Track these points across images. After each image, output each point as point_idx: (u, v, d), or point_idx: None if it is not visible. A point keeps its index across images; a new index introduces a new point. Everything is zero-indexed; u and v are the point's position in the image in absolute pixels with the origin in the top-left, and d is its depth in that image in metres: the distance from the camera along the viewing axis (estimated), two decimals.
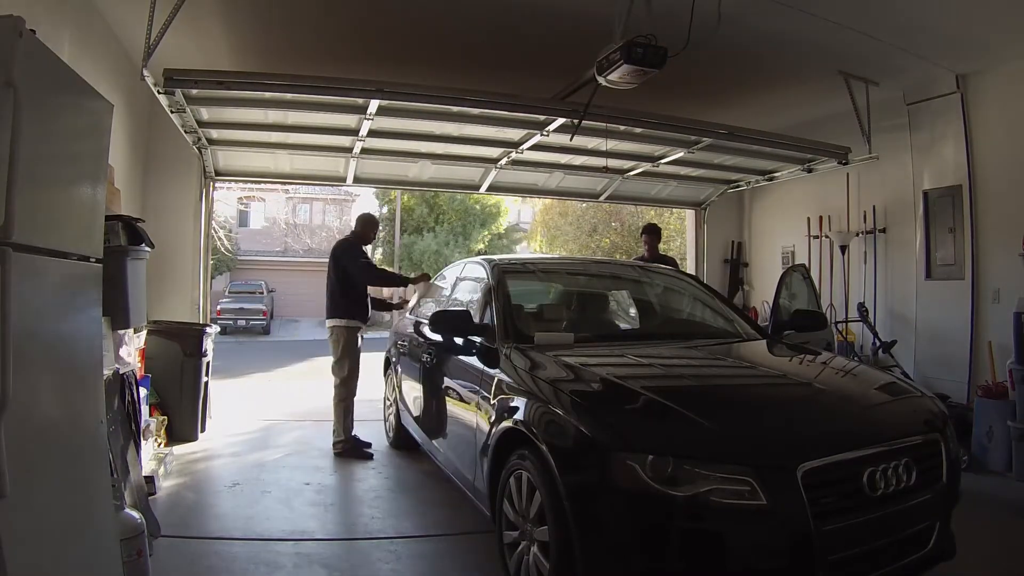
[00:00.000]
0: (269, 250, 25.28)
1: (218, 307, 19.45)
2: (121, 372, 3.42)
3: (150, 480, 3.64)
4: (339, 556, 3.03)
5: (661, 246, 6.39)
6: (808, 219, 6.97)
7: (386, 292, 7.51)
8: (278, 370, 11.76)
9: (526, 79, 5.18)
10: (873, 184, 6.16)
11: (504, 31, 4.63)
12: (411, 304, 5.15)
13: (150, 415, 4.42)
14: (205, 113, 4.70)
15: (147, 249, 3.95)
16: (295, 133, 5.29)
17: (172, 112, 4.34)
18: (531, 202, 21.32)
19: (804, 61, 5.12)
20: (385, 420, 5.21)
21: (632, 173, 6.53)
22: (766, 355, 3.23)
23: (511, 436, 2.57)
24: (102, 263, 2.13)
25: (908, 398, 2.64)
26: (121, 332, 3.58)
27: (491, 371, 2.94)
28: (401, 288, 6.08)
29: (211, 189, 6.34)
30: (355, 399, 4.84)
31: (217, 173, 6.21)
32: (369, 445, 4.80)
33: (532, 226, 21.25)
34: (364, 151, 5.62)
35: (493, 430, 2.72)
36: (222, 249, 21.50)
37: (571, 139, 5.06)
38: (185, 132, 4.88)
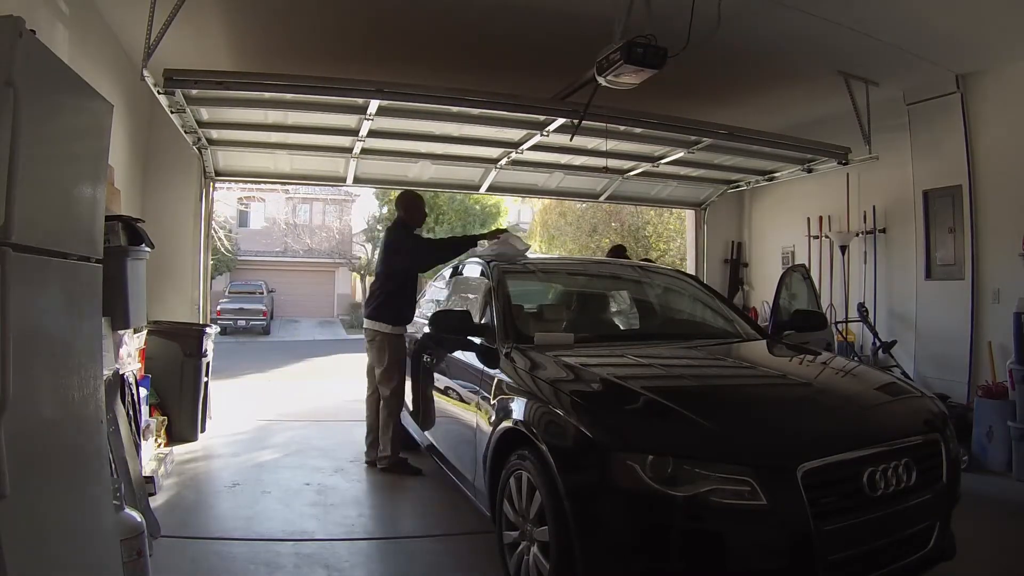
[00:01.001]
0: (269, 250, 25.27)
1: (218, 307, 19.46)
2: (121, 372, 3.42)
3: (150, 480, 3.64)
4: (339, 556, 3.03)
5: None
6: (808, 219, 6.97)
7: None
8: (278, 370, 11.77)
9: (526, 79, 5.18)
10: (873, 184, 6.16)
11: (504, 31, 4.63)
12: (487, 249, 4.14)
13: (150, 415, 4.42)
14: (205, 113, 4.70)
15: (147, 249, 3.95)
16: (295, 133, 5.29)
17: (172, 112, 4.34)
18: (531, 202, 21.31)
19: (804, 61, 5.12)
20: None
21: (632, 173, 6.53)
22: (766, 355, 3.23)
23: (511, 436, 2.57)
24: (102, 263, 2.13)
25: (908, 398, 2.64)
26: (121, 332, 3.58)
27: (491, 371, 2.94)
28: None
29: (211, 189, 6.34)
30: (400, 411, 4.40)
31: (217, 173, 6.21)
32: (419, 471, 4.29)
33: (532, 226, 21.23)
34: (364, 151, 5.62)
35: (493, 430, 2.72)
36: (222, 249, 21.50)
37: (571, 139, 5.06)
38: (185, 132, 4.88)
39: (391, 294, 4.30)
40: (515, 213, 24.02)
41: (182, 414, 4.97)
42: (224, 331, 17.34)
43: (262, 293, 22.44)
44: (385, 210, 21.74)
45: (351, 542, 3.24)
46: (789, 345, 3.36)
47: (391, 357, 4.24)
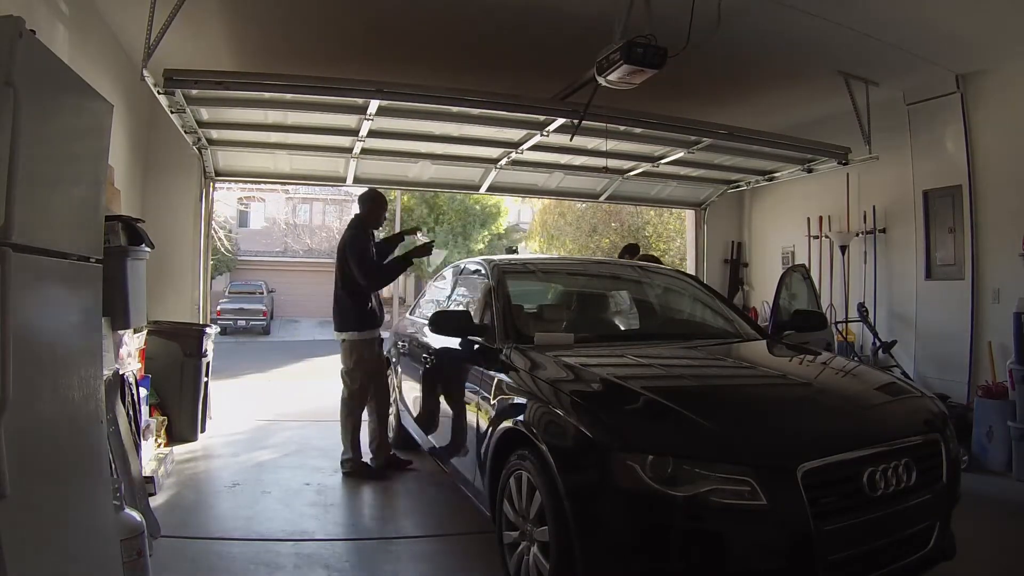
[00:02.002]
0: (269, 250, 25.27)
1: (218, 307, 19.45)
2: (121, 372, 3.42)
3: (150, 480, 3.64)
4: (339, 557, 3.03)
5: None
6: (808, 219, 6.98)
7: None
8: (278, 370, 11.77)
9: (526, 79, 5.18)
10: (873, 184, 6.16)
11: (504, 31, 4.63)
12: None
13: (150, 415, 4.42)
14: (205, 113, 4.70)
15: (147, 249, 3.95)
16: (295, 133, 5.29)
17: (172, 112, 4.34)
18: (531, 202, 21.31)
19: (804, 61, 5.13)
20: None
21: (632, 173, 6.53)
22: (766, 355, 3.23)
23: (511, 436, 2.57)
24: (102, 263, 2.13)
25: (908, 398, 2.64)
26: (121, 332, 3.58)
27: (491, 372, 2.94)
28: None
29: (211, 189, 6.34)
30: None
31: (217, 173, 6.21)
32: (410, 462, 4.41)
33: (532, 226, 21.24)
34: (364, 151, 5.62)
35: (493, 430, 2.72)
36: (222, 249, 21.50)
37: (571, 139, 5.06)
38: (185, 132, 4.88)
39: (356, 301, 4.22)
40: (515, 213, 24.01)
41: (182, 414, 4.96)
42: (224, 331, 17.32)
43: (262, 293, 22.43)
44: None
45: (351, 542, 3.25)
46: (789, 345, 3.36)
47: (355, 361, 4.23)
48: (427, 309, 4.52)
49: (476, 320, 3.30)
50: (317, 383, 8.62)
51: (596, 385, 2.47)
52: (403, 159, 6.00)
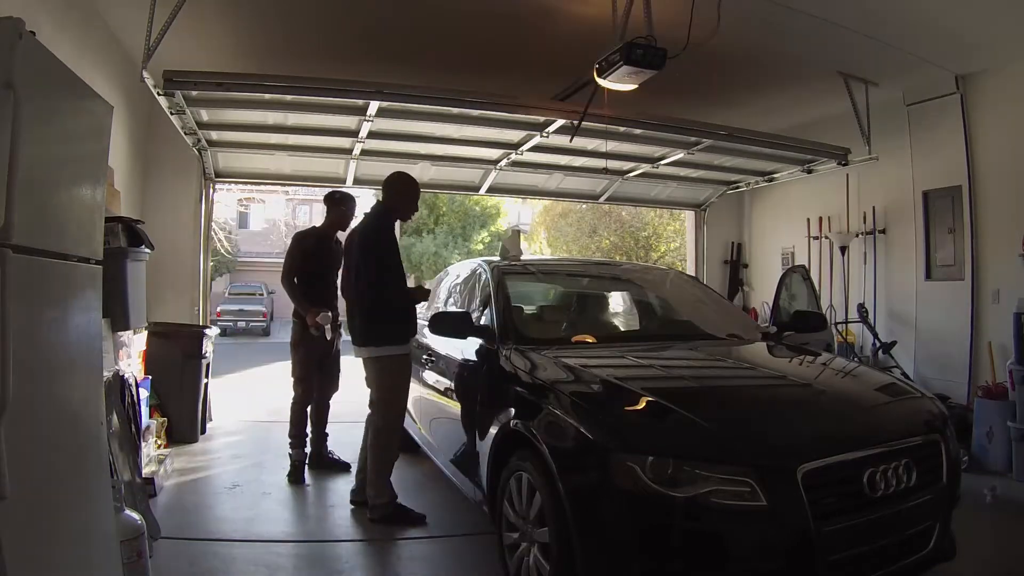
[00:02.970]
0: (269, 252, 25.27)
1: (218, 309, 19.45)
2: (121, 374, 3.42)
3: (150, 482, 3.64)
4: (340, 558, 3.03)
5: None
6: (808, 220, 6.97)
7: None
8: (278, 372, 11.73)
9: (526, 81, 5.19)
10: (873, 185, 6.16)
11: (504, 33, 4.63)
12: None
13: (150, 417, 4.42)
14: (205, 115, 4.71)
15: (147, 251, 3.96)
16: (295, 135, 5.29)
17: (172, 114, 4.34)
18: (531, 203, 21.32)
19: (804, 62, 5.13)
20: None
21: (632, 174, 6.53)
22: (766, 356, 3.23)
23: (511, 438, 2.57)
24: (102, 265, 2.13)
25: (908, 399, 2.64)
26: (121, 333, 3.58)
27: (491, 373, 2.94)
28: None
29: (211, 191, 6.34)
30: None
31: (217, 175, 6.21)
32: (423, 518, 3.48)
33: (532, 227, 21.24)
34: (364, 152, 5.62)
35: (493, 432, 2.72)
36: (222, 251, 21.51)
37: (571, 140, 5.07)
38: (185, 134, 4.89)
39: (389, 303, 3.41)
40: (515, 214, 24.03)
41: (182, 415, 4.96)
42: (224, 332, 17.32)
43: (262, 295, 22.42)
44: None
45: (352, 543, 3.25)
46: (789, 346, 3.36)
47: (393, 380, 3.47)
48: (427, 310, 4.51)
49: (476, 321, 3.30)
50: None
51: (596, 386, 2.47)
52: (403, 160, 5.99)
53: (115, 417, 3.04)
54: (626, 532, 2.02)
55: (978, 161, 5.28)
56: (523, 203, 22.69)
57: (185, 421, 4.98)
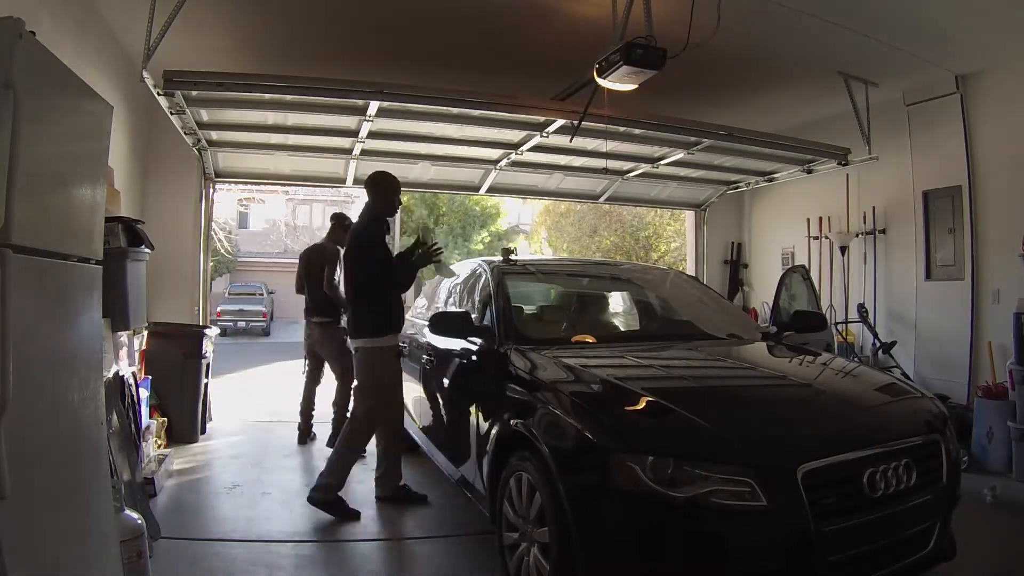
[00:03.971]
0: (269, 252, 25.29)
1: (218, 309, 19.46)
2: (121, 374, 3.42)
3: (150, 482, 3.64)
4: (340, 558, 3.03)
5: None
6: (808, 220, 6.97)
7: None
8: (278, 372, 11.74)
9: (526, 81, 5.18)
10: (873, 185, 6.16)
11: (504, 33, 4.63)
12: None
13: (150, 417, 4.42)
14: (205, 114, 4.70)
15: (147, 251, 3.96)
16: (295, 135, 5.29)
17: (172, 114, 4.34)
18: (531, 203, 21.32)
19: (804, 62, 5.13)
20: None
21: (632, 174, 6.53)
22: (766, 356, 3.23)
23: (511, 438, 2.57)
24: (102, 265, 2.13)
25: (908, 399, 2.64)
26: (121, 334, 3.58)
27: (491, 373, 2.94)
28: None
29: (211, 190, 6.33)
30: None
31: (217, 174, 6.21)
32: (425, 498, 3.78)
33: (532, 227, 21.25)
34: (364, 152, 5.62)
35: (493, 432, 2.72)
36: (222, 251, 21.52)
37: (571, 140, 5.07)
38: (185, 134, 4.88)
39: (377, 301, 3.64)
40: (515, 214, 24.04)
41: (182, 415, 4.96)
42: (224, 332, 17.34)
43: (262, 295, 22.42)
44: None
45: (352, 544, 3.24)
46: (789, 346, 3.36)
47: (373, 372, 3.63)
48: (426, 310, 4.51)
49: (476, 321, 3.30)
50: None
51: (596, 386, 2.47)
52: (403, 160, 5.99)
53: (115, 417, 3.05)
54: (626, 532, 2.02)
55: (978, 161, 5.28)
56: (523, 203, 22.69)
57: (185, 421, 4.97)
